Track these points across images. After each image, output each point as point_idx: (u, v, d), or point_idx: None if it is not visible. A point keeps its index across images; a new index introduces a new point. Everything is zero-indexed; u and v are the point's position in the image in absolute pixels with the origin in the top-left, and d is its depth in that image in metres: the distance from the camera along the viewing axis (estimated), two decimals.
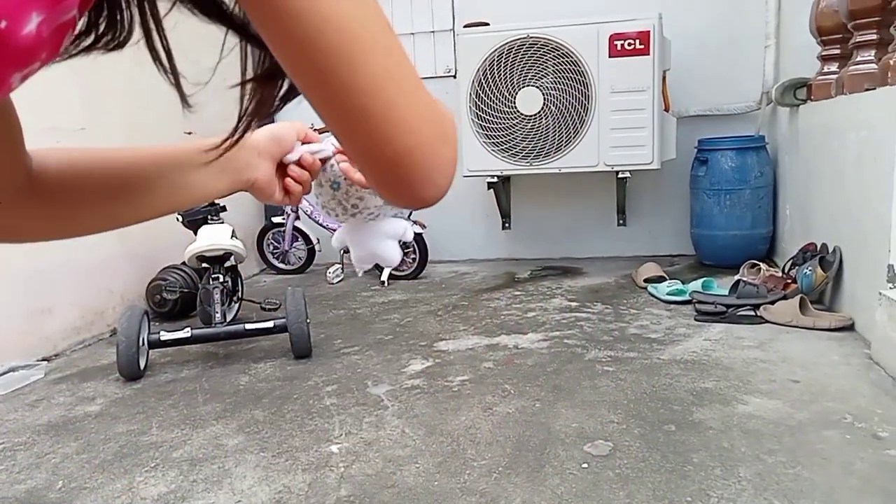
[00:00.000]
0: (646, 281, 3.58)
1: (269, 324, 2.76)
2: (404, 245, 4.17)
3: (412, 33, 4.54)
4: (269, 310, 3.13)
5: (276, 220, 4.50)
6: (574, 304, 3.37)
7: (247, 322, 2.83)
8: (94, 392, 2.55)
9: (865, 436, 1.83)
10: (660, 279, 3.55)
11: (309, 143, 0.75)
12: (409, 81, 0.43)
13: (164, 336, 2.71)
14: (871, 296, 2.40)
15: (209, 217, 3.13)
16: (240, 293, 3.33)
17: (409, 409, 2.21)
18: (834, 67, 3.18)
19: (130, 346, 2.56)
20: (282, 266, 4.58)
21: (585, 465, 1.76)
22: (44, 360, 2.93)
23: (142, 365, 2.64)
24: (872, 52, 2.79)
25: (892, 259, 2.31)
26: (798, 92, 3.48)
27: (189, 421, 2.23)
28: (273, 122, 0.69)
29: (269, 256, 4.59)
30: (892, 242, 2.31)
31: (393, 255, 0.78)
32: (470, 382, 2.40)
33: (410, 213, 3.68)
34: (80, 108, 3.17)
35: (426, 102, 0.44)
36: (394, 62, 0.42)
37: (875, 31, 2.79)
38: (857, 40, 2.85)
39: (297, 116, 0.70)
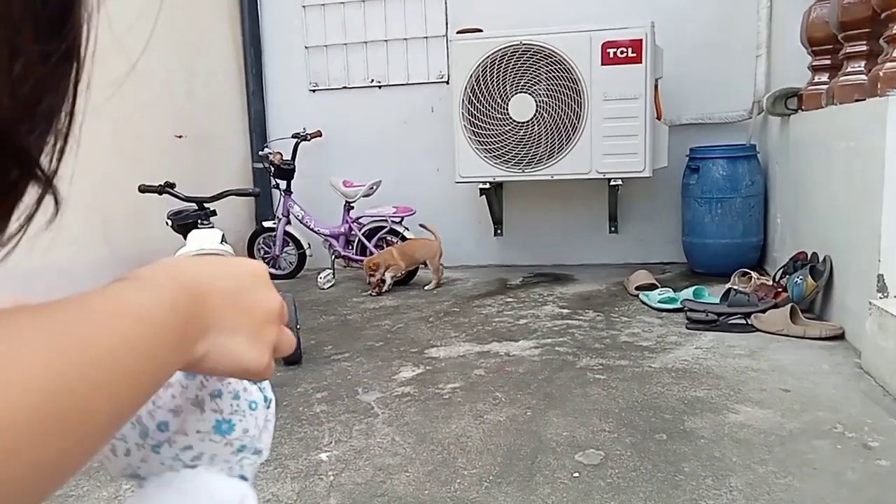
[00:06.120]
0: (637, 288, 3.58)
1: None
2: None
3: (405, 38, 4.55)
4: None
5: (266, 224, 4.48)
6: (566, 311, 3.37)
7: None
8: None
9: (856, 445, 1.83)
10: (651, 287, 3.55)
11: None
12: None
13: None
14: (861, 305, 2.41)
15: (199, 221, 3.10)
16: None
17: (400, 416, 2.19)
18: (824, 78, 3.20)
19: None
20: (272, 271, 4.55)
21: (577, 475, 1.76)
22: None
23: None
24: (862, 63, 2.81)
25: (881, 269, 2.32)
26: (789, 101, 3.50)
27: None
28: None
29: (260, 261, 4.56)
30: (881, 252, 2.32)
31: None
32: (461, 390, 2.39)
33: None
34: None
35: None
36: None
37: (865, 42, 2.81)
38: (848, 51, 2.87)
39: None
